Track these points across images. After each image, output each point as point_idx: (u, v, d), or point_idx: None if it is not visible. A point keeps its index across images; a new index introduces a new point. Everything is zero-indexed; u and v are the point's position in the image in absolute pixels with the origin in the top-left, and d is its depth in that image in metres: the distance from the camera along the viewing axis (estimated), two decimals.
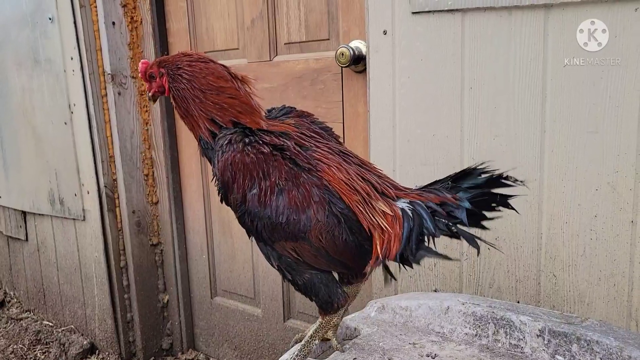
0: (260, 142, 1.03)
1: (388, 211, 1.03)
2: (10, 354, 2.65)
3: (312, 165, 1.03)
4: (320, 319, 1.09)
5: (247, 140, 1.03)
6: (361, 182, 1.05)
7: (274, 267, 1.08)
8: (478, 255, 1.02)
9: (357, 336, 1.31)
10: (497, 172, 0.99)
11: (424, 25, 1.49)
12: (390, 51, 1.57)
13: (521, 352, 1.19)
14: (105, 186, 2.43)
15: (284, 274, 1.07)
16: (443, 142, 1.52)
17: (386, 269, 1.10)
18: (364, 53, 1.72)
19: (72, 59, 2.33)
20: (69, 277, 2.76)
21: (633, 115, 1.22)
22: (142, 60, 1.14)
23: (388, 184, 1.09)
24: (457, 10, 1.42)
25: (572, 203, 1.34)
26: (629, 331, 1.16)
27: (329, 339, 1.29)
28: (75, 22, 2.28)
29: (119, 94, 2.38)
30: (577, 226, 1.34)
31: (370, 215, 1.03)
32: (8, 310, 3.12)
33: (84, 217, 2.53)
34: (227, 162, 1.02)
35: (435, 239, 1.03)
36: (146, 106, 2.44)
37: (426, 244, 1.03)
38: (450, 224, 1.00)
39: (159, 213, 2.56)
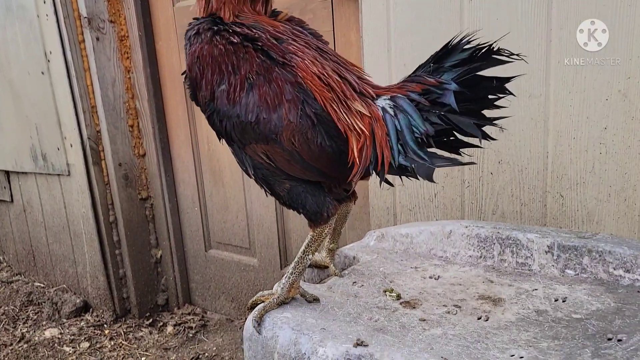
0: (230, 30, 0.94)
1: (365, 112, 0.92)
2: (2, 315, 2.59)
3: (286, 59, 0.92)
4: (311, 232, 1.01)
5: (215, 28, 0.94)
6: (338, 78, 0.94)
7: (251, 178, 1.00)
8: (481, 141, 0.90)
9: (356, 264, 1.25)
10: (484, 44, 0.85)
11: None
12: None
13: (529, 270, 1.13)
14: (88, 138, 2.32)
15: (262, 185, 0.98)
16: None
17: (383, 179, 0.97)
18: None
19: (44, 2, 2.20)
20: (58, 235, 2.68)
21: None
22: None
23: (369, 83, 0.98)
24: None
25: (580, 117, 1.26)
26: None
27: (327, 266, 1.23)
28: None
29: (97, 39, 2.25)
30: (586, 141, 1.26)
31: (345, 116, 0.92)
32: None
33: (69, 172, 2.43)
34: (195, 55, 0.94)
35: (430, 139, 0.90)
36: (127, 52, 2.32)
37: (426, 147, 0.90)
38: (442, 113, 0.88)
39: (147, 166, 2.47)
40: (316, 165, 0.94)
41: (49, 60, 2.30)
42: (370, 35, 1.55)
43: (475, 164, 1.02)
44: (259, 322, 0.96)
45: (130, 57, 2.33)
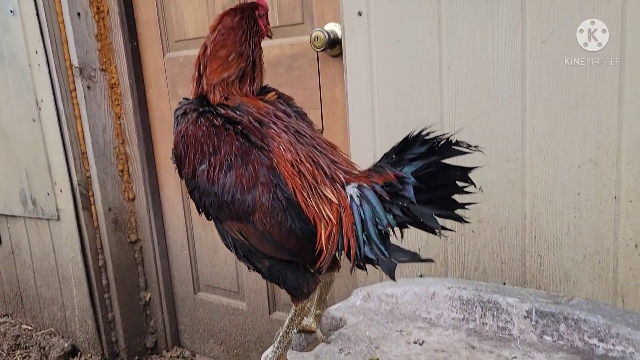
0: (215, 113, 0.99)
1: (334, 199, 0.94)
2: None
3: (264, 143, 0.97)
4: (293, 307, 1.04)
5: (201, 110, 0.99)
6: (310, 164, 0.97)
7: (232, 252, 1.04)
8: (440, 236, 0.92)
9: (342, 326, 1.28)
10: (443, 137, 0.86)
11: (400, 5, 1.45)
12: (366, 33, 1.53)
13: (509, 334, 1.17)
14: (78, 184, 2.35)
15: (242, 260, 1.02)
16: (423, 125, 1.48)
17: (352, 267, 0.99)
18: (339, 36, 1.68)
19: (36, 52, 2.24)
20: (46, 279, 2.68)
21: (613, 89, 1.20)
22: None
23: (341, 169, 0.99)
24: None
25: (554, 181, 1.32)
26: (616, 308, 1.15)
27: (313, 331, 1.26)
28: (38, 14, 2.19)
29: (89, 87, 2.29)
30: (561, 204, 1.32)
31: (314, 203, 0.95)
32: None
33: (58, 216, 2.44)
34: (180, 134, 1.00)
35: (394, 230, 0.92)
36: (118, 99, 2.36)
37: (392, 239, 0.92)
38: (405, 205, 0.89)
39: (136, 209, 2.49)
40: (286, 245, 0.98)
41: (40, 108, 2.33)
42: (355, 95, 1.61)
43: (433, 261, 1.05)
44: None
45: (121, 103, 2.37)
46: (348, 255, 0.94)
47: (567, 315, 1.12)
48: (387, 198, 0.90)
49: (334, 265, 1.11)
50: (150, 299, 2.59)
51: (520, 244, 1.41)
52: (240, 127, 0.98)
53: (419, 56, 1.46)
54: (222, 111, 1.00)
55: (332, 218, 0.94)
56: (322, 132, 1.86)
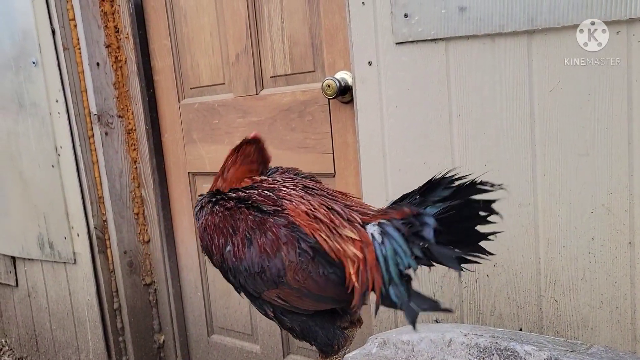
0: (226, 198, 1.06)
1: (355, 237, 0.99)
2: None
3: (277, 205, 1.02)
4: None
5: (214, 200, 1.07)
6: (324, 210, 1.02)
7: (271, 318, 1.06)
8: (460, 277, 0.95)
9: None
10: (467, 179, 0.91)
11: (409, 55, 1.50)
12: (377, 81, 1.57)
13: None
14: (95, 228, 2.39)
15: (280, 321, 1.05)
16: (435, 170, 1.50)
17: (379, 305, 1.01)
18: (350, 84, 1.72)
19: (57, 101, 2.32)
20: (62, 322, 2.69)
21: (622, 136, 1.22)
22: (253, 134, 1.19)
23: (355, 210, 1.04)
24: (440, 39, 1.43)
25: (568, 226, 1.33)
26: (635, 356, 1.14)
27: None
28: (59, 65, 2.27)
29: (106, 134, 2.36)
30: (575, 249, 1.32)
31: (337, 244, 0.99)
32: (0, 358, 3.03)
33: (75, 260, 2.48)
34: (202, 227, 1.07)
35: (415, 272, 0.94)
36: (134, 144, 2.42)
37: (413, 283, 0.95)
38: (426, 246, 0.92)
39: (151, 252, 2.52)
40: (324, 294, 1.01)
41: (59, 155, 2.39)
42: (366, 140, 1.64)
43: (452, 311, 1.07)
44: None
45: (137, 148, 2.43)
46: (373, 292, 0.97)
47: None
48: (407, 232, 0.93)
49: (357, 321, 1.13)
50: (164, 341, 2.59)
51: (535, 288, 1.40)
52: (250, 202, 1.04)
53: (428, 103, 1.49)
54: (233, 194, 1.07)
55: (357, 253, 0.97)
56: (334, 175, 1.89)
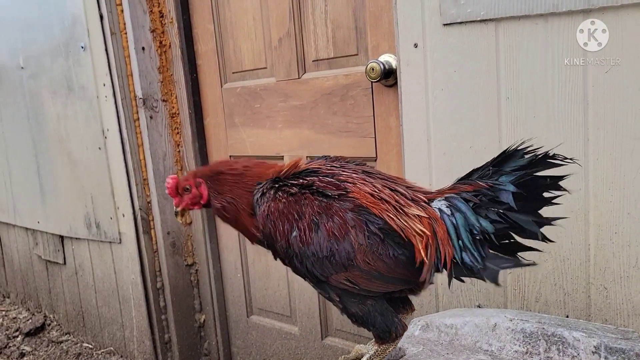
0: (289, 184, 1.06)
1: (423, 214, 1.01)
2: None
3: (341, 189, 1.03)
4: (376, 347, 1.07)
5: (276, 186, 1.07)
6: (389, 192, 1.04)
7: (336, 304, 1.07)
8: (544, 240, 0.96)
9: (402, 356, 1.28)
10: (540, 151, 0.95)
11: (457, 36, 1.47)
12: (422, 64, 1.56)
13: None
14: (140, 209, 2.46)
15: (345, 305, 1.06)
16: (481, 154, 1.49)
17: (451, 277, 1.04)
18: (394, 67, 1.71)
19: (104, 85, 2.38)
20: (107, 299, 2.79)
21: None
22: (169, 177, 1.17)
23: (419, 191, 1.08)
24: (490, 20, 1.40)
25: (621, 212, 1.29)
26: None
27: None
28: (106, 50, 2.33)
29: (151, 117, 2.41)
30: (628, 236, 1.29)
31: (404, 222, 1.01)
32: (49, 333, 3.18)
33: (120, 240, 2.56)
34: (265, 214, 1.06)
35: (492, 236, 0.97)
36: (177, 128, 2.48)
37: (488, 247, 0.98)
38: (501, 211, 0.96)
39: (193, 233, 2.58)
40: (395, 275, 1.03)
41: (106, 137, 2.47)
42: (410, 124, 1.63)
43: (536, 264, 1.07)
44: None
45: (181, 132, 2.48)
46: (444, 264, 0.99)
47: (639, 352, 1.08)
48: (478, 202, 0.96)
49: (408, 306, 1.14)
50: (204, 321, 2.65)
51: (584, 275, 1.37)
52: (315, 188, 1.04)
53: (476, 87, 1.47)
54: (295, 181, 1.07)
55: (425, 230, 0.99)
56: (375, 159, 1.89)
